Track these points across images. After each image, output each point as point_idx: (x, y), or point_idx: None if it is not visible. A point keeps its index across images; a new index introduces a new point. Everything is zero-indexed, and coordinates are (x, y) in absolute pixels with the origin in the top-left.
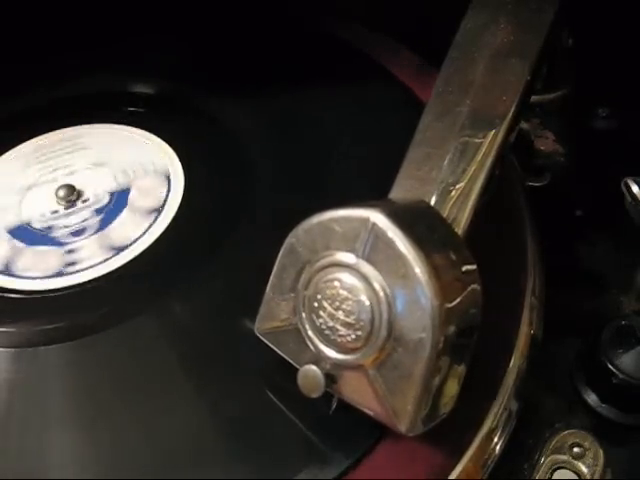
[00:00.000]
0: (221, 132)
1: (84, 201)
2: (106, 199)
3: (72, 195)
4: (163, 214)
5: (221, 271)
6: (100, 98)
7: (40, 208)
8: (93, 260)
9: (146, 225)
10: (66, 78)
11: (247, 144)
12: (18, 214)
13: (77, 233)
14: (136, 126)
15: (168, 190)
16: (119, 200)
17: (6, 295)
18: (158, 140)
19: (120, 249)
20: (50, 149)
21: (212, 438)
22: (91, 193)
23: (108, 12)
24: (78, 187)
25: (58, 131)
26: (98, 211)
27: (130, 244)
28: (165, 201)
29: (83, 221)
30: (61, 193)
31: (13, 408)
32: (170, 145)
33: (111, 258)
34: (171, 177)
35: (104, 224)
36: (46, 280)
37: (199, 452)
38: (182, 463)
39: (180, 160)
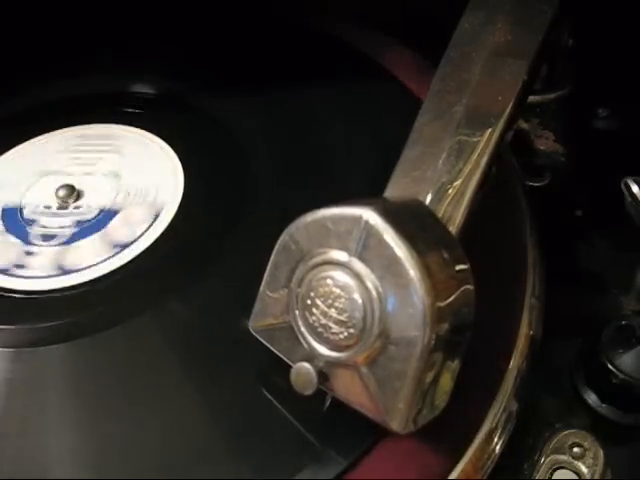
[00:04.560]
0: (221, 132)
1: (76, 207)
2: (93, 214)
3: (70, 197)
4: (162, 215)
5: (221, 271)
6: (100, 98)
7: (40, 198)
8: (37, 272)
9: (102, 258)
10: (66, 78)
11: (247, 144)
12: (20, 196)
13: (46, 238)
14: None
15: (148, 228)
16: (102, 220)
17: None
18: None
19: (65, 272)
20: (90, 141)
21: (211, 438)
22: (85, 202)
23: (108, 12)
24: (78, 189)
25: (104, 125)
26: (78, 223)
27: (82, 269)
28: (136, 240)
29: (60, 228)
30: (61, 192)
31: (13, 408)
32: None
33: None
34: (161, 214)
35: (71, 240)
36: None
37: (198, 452)
38: (181, 463)
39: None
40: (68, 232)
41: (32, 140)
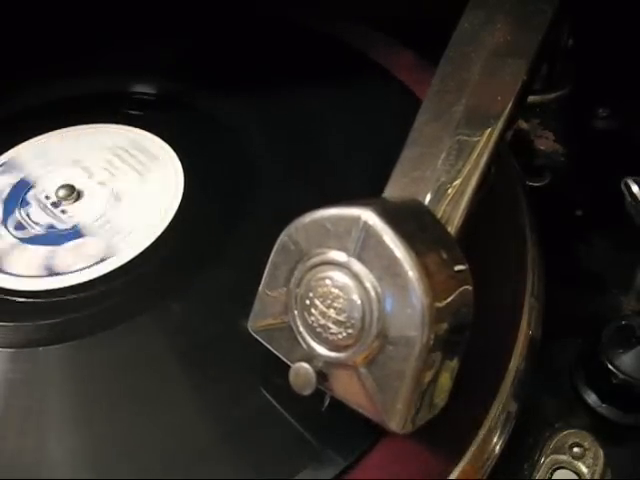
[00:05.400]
0: (221, 132)
1: (63, 212)
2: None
3: (68, 198)
4: (163, 214)
5: (220, 271)
6: (100, 98)
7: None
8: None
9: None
10: (66, 78)
11: (247, 144)
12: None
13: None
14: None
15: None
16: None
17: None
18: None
19: None
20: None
21: (210, 438)
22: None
23: (108, 12)
24: (78, 189)
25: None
26: (50, 227)
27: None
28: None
29: (35, 224)
30: (61, 192)
31: (13, 408)
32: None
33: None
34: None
35: (29, 241)
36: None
37: (197, 452)
38: (180, 463)
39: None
40: (37, 230)
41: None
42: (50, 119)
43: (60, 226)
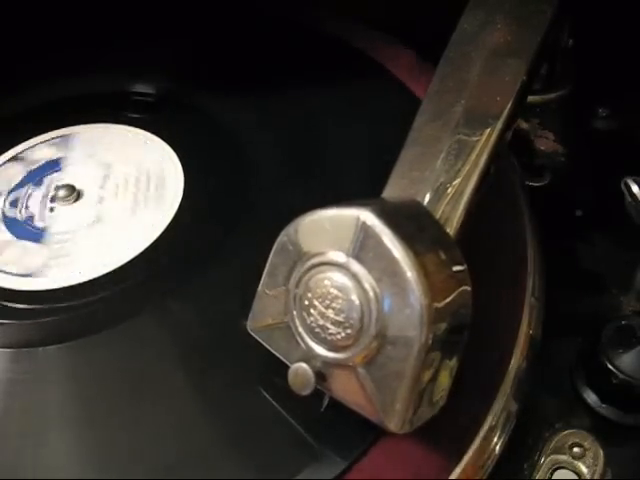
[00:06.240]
0: (221, 132)
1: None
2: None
3: (71, 195)
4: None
5: (221, 271)
6: (100, 98)
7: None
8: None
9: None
10: (66, 78)
11: (247, 144)
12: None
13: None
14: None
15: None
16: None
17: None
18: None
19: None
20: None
21: (210, 438)
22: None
23: (108, 12)
24: (78, 187)
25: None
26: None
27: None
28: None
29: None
30: (61, 193)
31: (13, 408)
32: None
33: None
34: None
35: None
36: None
37: (197, 452)
38: (180, 463)
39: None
40: (19, 216)
41: None
42: (50, 119)
43: (36, 223)
